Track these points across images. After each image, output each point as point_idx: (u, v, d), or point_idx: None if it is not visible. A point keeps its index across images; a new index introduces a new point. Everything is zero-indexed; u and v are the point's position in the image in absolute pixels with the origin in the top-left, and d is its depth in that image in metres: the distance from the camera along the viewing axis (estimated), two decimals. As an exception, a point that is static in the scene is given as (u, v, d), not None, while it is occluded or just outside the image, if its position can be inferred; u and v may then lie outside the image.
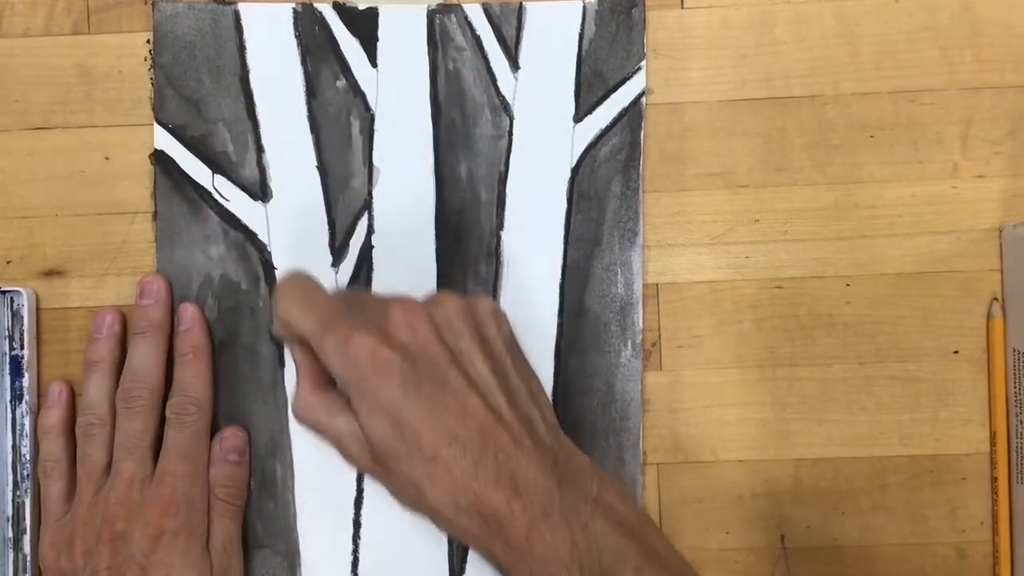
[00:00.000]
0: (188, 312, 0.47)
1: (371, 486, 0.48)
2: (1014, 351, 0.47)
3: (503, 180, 0.48)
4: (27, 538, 0.47)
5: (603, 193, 0.48)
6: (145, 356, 0.46)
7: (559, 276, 0.48)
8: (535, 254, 0.48)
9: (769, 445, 0.48)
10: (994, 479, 0.48)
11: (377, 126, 0.48)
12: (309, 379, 0.42)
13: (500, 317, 0.42)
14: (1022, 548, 0.47)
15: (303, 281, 0.42)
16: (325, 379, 0.42)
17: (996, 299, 0.48)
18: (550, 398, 0.48)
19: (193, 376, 0.46)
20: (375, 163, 0.48)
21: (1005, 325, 0.48)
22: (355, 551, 0.48)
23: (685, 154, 0.49)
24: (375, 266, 0.48)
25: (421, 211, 0.48)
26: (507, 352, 0.42)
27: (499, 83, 0.48)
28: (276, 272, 0.48)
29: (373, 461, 0.40)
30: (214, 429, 0.47)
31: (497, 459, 0.38)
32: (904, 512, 0.48)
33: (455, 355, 0.40)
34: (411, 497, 0.40)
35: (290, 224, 0.48)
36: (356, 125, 0.48)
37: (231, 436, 0.47)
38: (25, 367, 0.47)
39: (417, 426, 0.38)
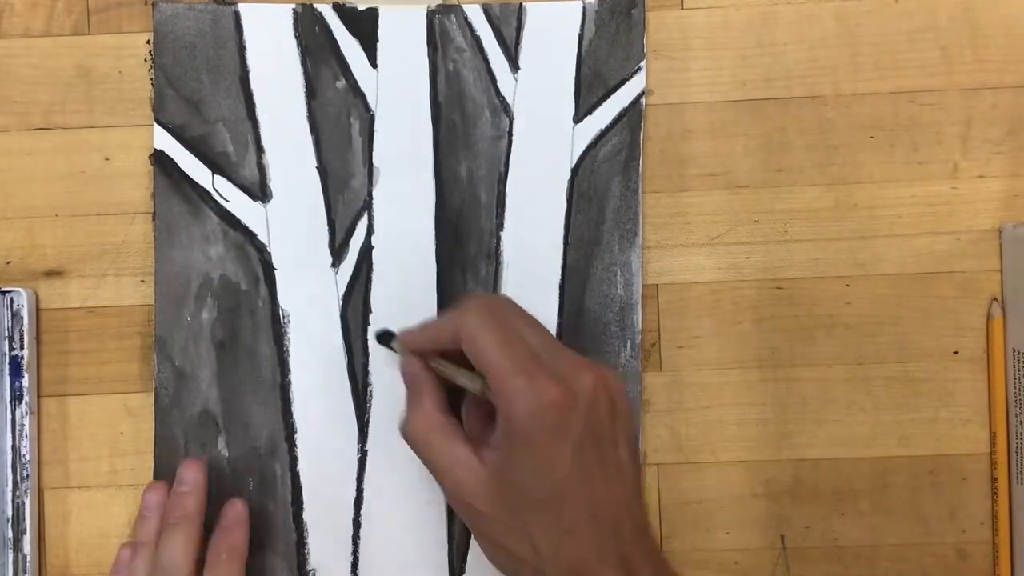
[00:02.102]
0: (234, 510, 0.46)
1: (371, 486, 0.48)
2: (1014, 351, 0.47)
3: (503, 180, 0.48)
4: (27, 538, 0.47)
5: (603, 194, 0.48)
6: (174, 552, 0.44)
7: (559, 276, 0.48)
8: (535, 254, 0.48)
9: (769, 445, 0.48)
10: (994, 479, 0.48)
11: (377, 126, 0.48)
12: (434, 399, 0.43)
13: (628, 403, 0.43)
14: (1022, 548, 0.47)
15: (494, 307, 0.42)
16: (447, 402, 0.43)
17: (996, 299, 0.48)
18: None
19: None
20: (375, 163, 0.48)
21: (1005, 325, 0.48)
22: (355, 551, 0.48)
23: (685, 154, 0.49)
24: (375, 266, 0.48)
25: (421, 211, 0.48)
26: (635, 445, 0.43)
27: (499, 84, 0.48)
28: (276, 272, 0.48)
29: (489, 503, 0.41)
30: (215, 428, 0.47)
31: (620, 546, 0.39)
32: (904, 512, 0.48)
33: (615, 438, 0.41)
34: (520, 554, 0.40)
35: (290, 224, 0.48)
36: (356, 125, 0.48)
37: None
38: (25, 367, 0.47)
39: (569, 495, 0.39)
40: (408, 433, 0.43)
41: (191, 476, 0.46)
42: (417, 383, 0.44)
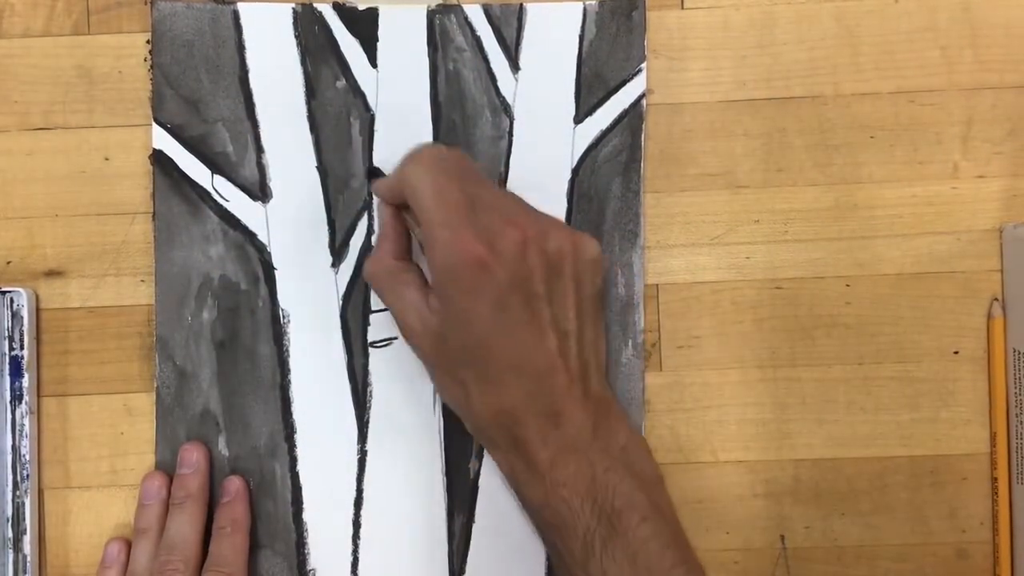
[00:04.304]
0: (233, 485, 0.47)
1: (371, 486, 0.48)
2: (1014, 351, 0.47)
3: (503, 181, 0.48)
4: (27, 538, 0.47)
5: (603, 194, 0.48)
6: (182, 527, 0.46)
7: (559, 276, 0.48)
8: (535, 254, 0.48)
9: (769, 445, 0.48)
10: (994, 479, 0.48)
11: (377, 126, 0.48)
12: (392, 244, 0.45)
13: (599, 265, 0.44)
14: (1022, 548, 0.47)
15: (440, 160, 0.43)
16: (406, 249, 0.45)
17: (996, 299, 0.48)
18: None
19: (229, 550, 0.46)
20: (375, 163, 0.48)
21: (1005, 325, 0.48)
22: (355, 551, 0.48)
23: (685, 155, 0.49)
24: (375, 266, 0.48)
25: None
26: (593, 304, 0.43)
27: (499, 84, 0.48)
28: (276, 272, 0.48)
29: (431, 347, 0.43)
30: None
31: (550, 395, 0.41)
32: (904, 512, 0.48)
33: (550, 293, 0.41)
34: (454, 397, 0.43)
35: (290, 224, 0.48)
36: (356, 125, 0.48)
37: None
38: (25, 367, 0.47)
39: (492, 347, 0.41)
40: (365, 273, 0.46)
41: (193, 458, 0.47)
42: (383, 229, 0.46)
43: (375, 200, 0.48)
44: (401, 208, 0.45)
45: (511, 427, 0.41)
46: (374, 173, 0.48)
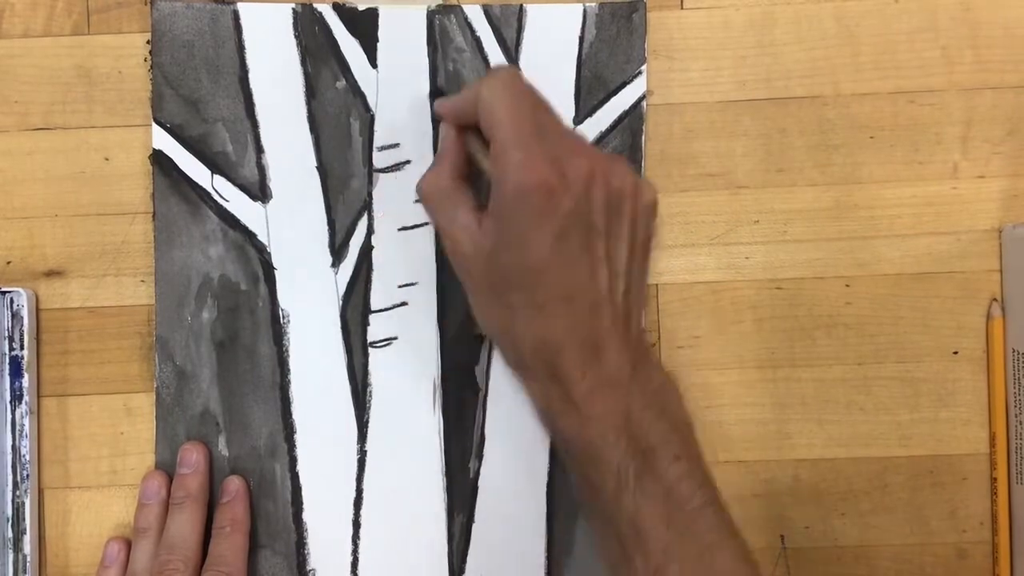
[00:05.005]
0: (233, 485, 0.47)
1: (371, 486, 0.48)
2: (1014, 351, 0.47)
3: (503, 181, 0.48)
4: (27, 538, 0.47)
5: (603, 194, 0.48)
6: (182, 527, 0.46)
7: (559, 276, 0.48)
8: (535, 254, 0.48)
9: (769, 445, 0.48)
10: (994, 479, 0.48)
11: (377, 126, 0.48)
12: (451, 165, 0.44)
13: (656, 211, 0.44)
14: (1022, 548, 0.47)
15: (519, 84, 0.42)
16: (464, 171, 0.44)
17: (996, 299, 0.48)
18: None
19: (228, 550, 0.46)
20: (375, 163, 0.48)
21: (1005, 325, 0.48)
22: (355, 551, 0.48)
23: (685, 155, 0.49)
24: (375, 266, 0.48)
25: (421, 211, 0.48)
26: (644, 249, 0.43)
27: (499, 84, 0.48)
28: (276, 272, 0.48)
29: (481, 269, 0.42)
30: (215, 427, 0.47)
31: (593, 330, 0.40)
32: (904, 512, 0.48)
33: (608, 229, 0.41)
34: (499, 321, 0.42)
35: (290, 224, 0.48)
36: (356, 125, 0.48)
37: None
38: (25, 367, 0.47)
39: (546, 273, 0.40)
40: (419, 190, 0.45)
41: (193, 458, 0.47)
42: (443, 148, 0.45)
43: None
44: (465, 131, 0.44)
45: (552, 357, 0.40)
46: (438, 93, 0.48)
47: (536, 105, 0.42)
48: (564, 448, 0.42)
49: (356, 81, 0.48)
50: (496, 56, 0.48)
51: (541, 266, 0.40)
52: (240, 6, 0.48)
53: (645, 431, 0.40)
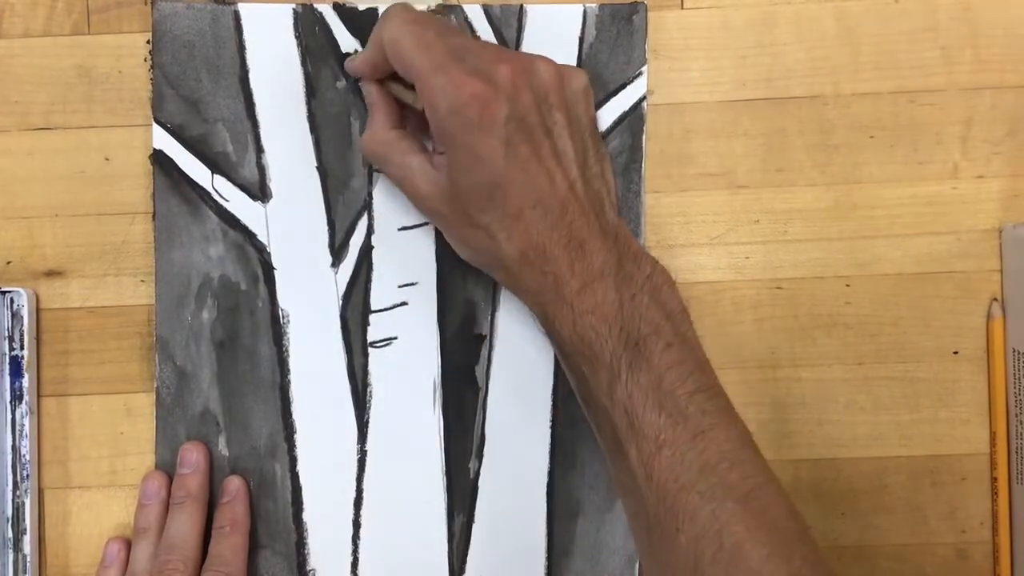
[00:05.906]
0: (233, 485, 0.47)
1: (371, 486, 0.48)
2: (1014, 351, 0.47)
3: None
4: (27, 538, 0.47)
5: (603, 194, 0.48)
6: (182, 527, 0.46)
7: (559, 276, 0.48)
8: (535, 254, 0.48)
9: (769, 445, 0.48)
10: (994, 479, 0.48)
11: (377, 126, 0.48)
12: (384, 115, 0.45)
13: (589, 95, 0.44)
14: (1022, 548, 0.47)
15: (415, 15, 0.43)
16: (399, 119, 0.45)
17: (996, 299, 0.48)
18: (550, 398, 0.48)
19: (228, 550, 0.46)
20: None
21: (1005, 325, 0.48)
22: (355, 551, 0.48)
23: (685, 155, 0.49)
24: (375, 266, 0.48)
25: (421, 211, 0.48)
26: (589, 133, 0.43)
27: (499, 83, 0.48)
28: (276, 272, 0.48)
29: (446, 203, 0.43)
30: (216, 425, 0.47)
31: (571, 226, 0.41)
32: (904, 512, 0.48)
33: (548, 127, 0.42)
34: (480, 245, 0.43)
35: (290, 224, 0.48)
36: (356, 125, 0.48)
37: None
38: (25, 367, 0.47)
39: (508, 185, 0.41)
40: (363, 149, 0.46)
41: (193, 458, 0.47)
42: (371, 104, 0.46)
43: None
44: (385, 81, 0.45)
45: (540, 263, 0.41)
46: (346, 56, 0.48)
47: (438, 28, 0.42)
48: (561, 350, 0.43)
49: (356, 81, 0.48)
50: (496, 56, 0.48)
51: (500, 178, 0.41)
52: (241, 6, 0.48)
53: (636, 320, 0.40)
